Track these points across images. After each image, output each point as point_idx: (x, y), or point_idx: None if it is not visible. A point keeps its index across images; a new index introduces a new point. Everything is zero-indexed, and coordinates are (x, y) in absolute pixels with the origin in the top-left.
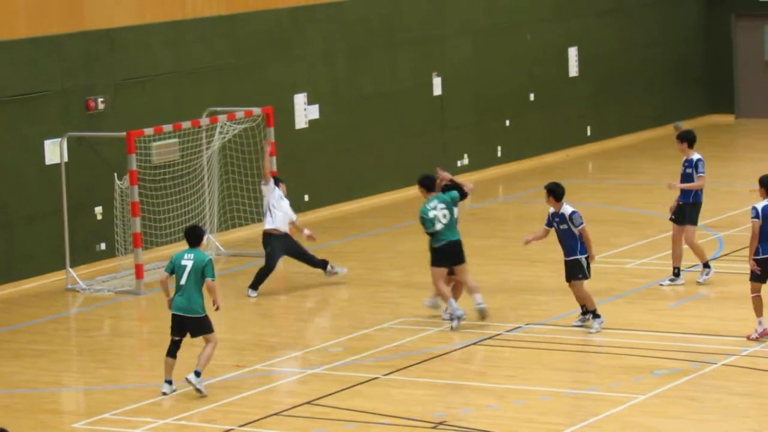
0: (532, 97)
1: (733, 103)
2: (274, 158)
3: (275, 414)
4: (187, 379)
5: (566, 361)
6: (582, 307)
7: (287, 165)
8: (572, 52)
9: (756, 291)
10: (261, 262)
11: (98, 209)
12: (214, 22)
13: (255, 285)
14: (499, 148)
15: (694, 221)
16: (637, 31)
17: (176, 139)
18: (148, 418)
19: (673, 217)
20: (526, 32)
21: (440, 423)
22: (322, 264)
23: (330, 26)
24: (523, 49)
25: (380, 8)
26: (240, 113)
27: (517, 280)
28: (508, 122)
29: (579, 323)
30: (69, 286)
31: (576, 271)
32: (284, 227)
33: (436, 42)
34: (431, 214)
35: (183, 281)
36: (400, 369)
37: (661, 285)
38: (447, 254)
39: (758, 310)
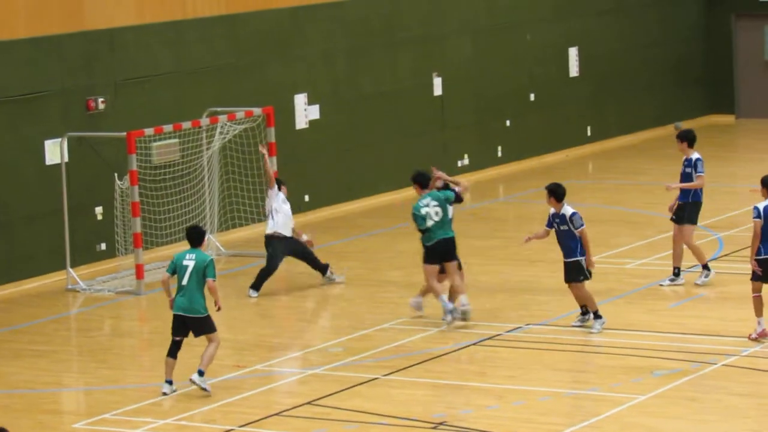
0: (532, 97)
1: (733, 104)
2: (275, 158)
3: (275, 414)
4: (191, 380)
5: (566, 361)
6: (582, 307)
7: (288, 165)
8: (573, 53)
9: (757, 291)
10: (262, 263)
11: (98, 209)
12: (215, 22)
13: (256, 286)
14: (499, 148)
15: (692, 221)
16: (637, 31)
17: (176, 140)
18: (148, 419)
19: (674, 217)
20: (526, 32)
21: (440, 423)
22: (323, 268)
23: (330, 26)
24: (524, 49)
25: (380, 8)
26: (240, 113)
27: (518, 281)
28: (508, 122)
29: (578, 323)
30: (69, 287)
31: (577, 273)
32: (286, 231)
33: (436, 42)
34: (423, 210)
35: (185, 281)
36: (401, 369)
37: (661, 285)
38: (439, 252)
39: (758, 311)
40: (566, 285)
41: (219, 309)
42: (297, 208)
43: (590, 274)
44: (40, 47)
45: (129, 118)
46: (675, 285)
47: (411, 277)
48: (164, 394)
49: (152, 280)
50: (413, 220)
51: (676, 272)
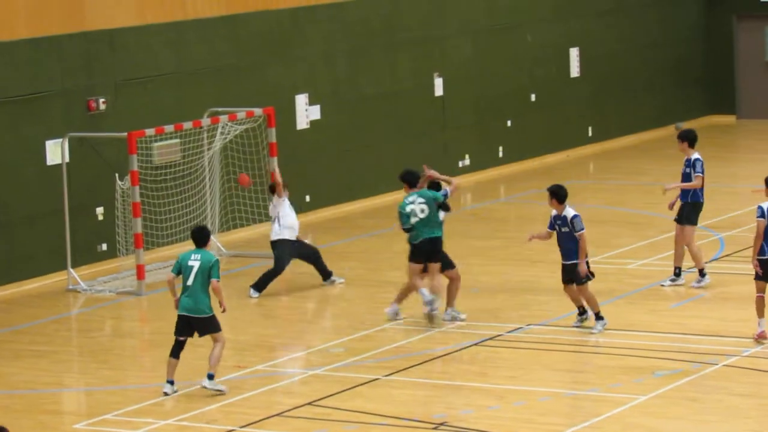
0: (533, 97)
1: (733, 104)
2: (275, 159)
3: (276, 414)
4: (203, 386)
5: (567, 361)
6: (579, 308)
7: (288, 166)
8: (573, 53)
9: (761, 291)
10: (265, 264)
11: (99, 210)
12: (215, 22)
13: (259, 286)
14: (500, 148)
15: (692, 221)
16: (638, 32)
17: (177, 140)
18: (149, 419)
19: (676, 217)
20: (527, 32)
21: (441, 424)
22: (327, 274)
23: (331, 27)
24: (524, 49)
25: (381, 9)
26: (241, 114)
27: (518, 281)
28: (509, 123)
29: (578, 323)
30: (70, 287)
31: (579, 275)
32: (291, 236)
33: (436, 42)
34: (408, 208)
35: (190, 282)
36: (401, 370)
37: (662, 285)
38: (424, 251)
39: (760, 311)
40: (563, 286)
41: (224, 310)
42: (298, 208)
43: (593, 274)
44: (40, 48)
45: (130, 119)
46: (676, 285)
47: None
48: (165, 394)
49: (153, 280)
50: (398, 218)
51: (677, 272)
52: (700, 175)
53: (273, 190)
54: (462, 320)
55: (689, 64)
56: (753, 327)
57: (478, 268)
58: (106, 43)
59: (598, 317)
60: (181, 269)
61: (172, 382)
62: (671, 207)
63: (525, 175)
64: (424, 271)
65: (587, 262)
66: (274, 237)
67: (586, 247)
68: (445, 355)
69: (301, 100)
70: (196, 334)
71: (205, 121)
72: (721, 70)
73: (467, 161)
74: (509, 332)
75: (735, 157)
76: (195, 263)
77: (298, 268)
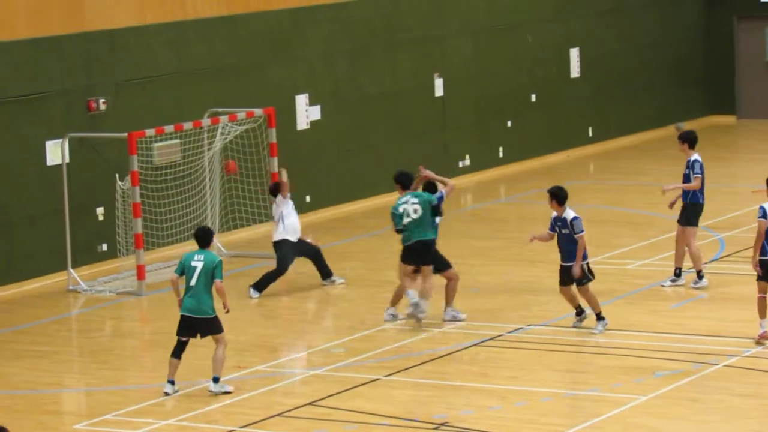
0: (533, 97)
1: (734, 104)
2: (276, 159)
3: (277, 415)
4: (210, 390)
5: (568, 362)
6: (576, 308)
7: (289, 166)
8: (574, 53)
9: (762, 291)
10: (265, 264)
11: (100, 210)
12: (215, 22)
13: (259, 286)
14: (500, 148)
15: (692, 222)
16: (638, 32)
17: (178, 140)
18: (149, 419)
19: (678, 218)
20: (527, 33)
21: (442, 424)
22: (328, 274)
23: (331, 27)
24: (524, 49)
25: (381, 9)
26: (241, 114)
27: (519, 281)
28: (509, 123)
29: (577, 324)
30: (70, 287)
31: (580, 277)
32: (294, 237)
33: (436, 42)
34: (401, 208)
35: (193, 282)
36: (402, 370)
37: (663, 286)
38: (417, 252)
39: (762, 312)
40: (559, 288)
41: (228, 311)
42: (299, 209)
43: (593, 275)
44: (40, 48)
45: (130, 119)
46: (676, 285)
47: None
48: (166, 394)
49: (153, 280)
50: (391, 219)
51: (677, 272)
52: (699, 176)
53: (275, 190)
54: (462, 320)
55: (689, 64)
56: (754, 327)
57: (479, 268)
58: (106, 44)
59: (599, 317)
60: (184, 270)
61: (173, 382)
62: (671, 206)
63: (525, 175)
64: (417, 272)
65: (588, 264)
66: (278, 237)
67: (583, 249)
68: (445, 355)
69: (302, 100)
70: (198, 335)
71: (206, 122)
72: (721, 71)
73: (467, 161)
74: (510, 332)
75: (735, 157)
76: (198, 264)
77: (299, 269)
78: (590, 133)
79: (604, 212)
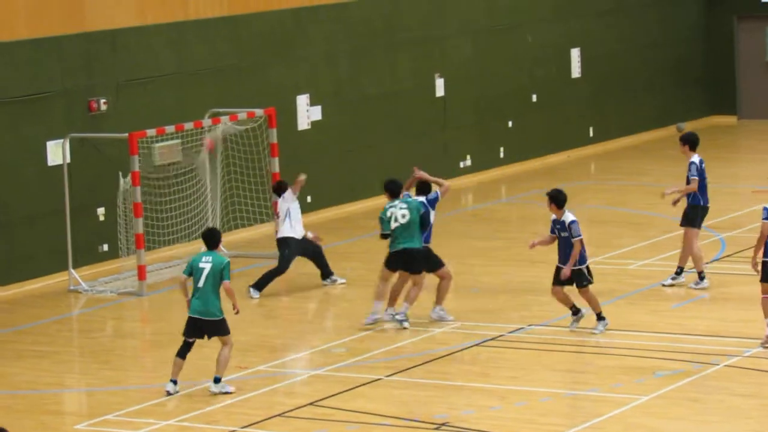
0: (534, 98)
1: (734, 105)
2: (276, 159)
3: (278, 415)
4: (210, 390)
5: (568, 362)
6: (571, 308)
7: (290, 166)
8: (575, 53)
9: (766, 292)
10: (266, 264)
11: (101, 210)
12: (216, 23)
13: (260, 285)
14: (501, 149)
15: (691, 224)
16: (638, 32)
17: (179, 140)
18: (150, 420)
19: (681, 221)
20: (527, 33)
21: (443, 424)
22: (328, 274)
23: (332, 27)
24: (524, 49)
25: (382, 9)
26: (242, 114)
27: (520, 281)
28: (510, 123)
29: (575, 325)
30: (71, 288)
31: (580, 279)
32: (299, 235)
33: (437, 42)
34: (389, 212)
35: (201, 284)
36: (403, 370)
37: (663, 285)
38: (402, 260)
39: (766, 313)
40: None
41: (237, 312)
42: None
43: (591, 277)
44: (41, 48)
45: (131, 119)
46: (676, 283)
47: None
48: (168, 392)
49: (154, 281)
50: (379, 223)
51: (679, 271)
52: (695, 178)
53: (279, 188)
54: (449, 321)
55: (690, 64)
56: (754, 327)
57: (480, 268)
58: (106, 44)
59: (600, 318)
60: (192, 270)
61: (175, 382)
62: (675, 203)
63: (526, 175)
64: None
65: (588, 266)
66: (285, 234)
67: (578, 253)
68: (446, 355)
69: (303, 100)
70: (205, 336)
71: (207, 122)
72: (721, 71)
73: (468, 162)
74: (510, 333)
75: (736, 157)
76: (206, 265)
77: (300, 269)
78: (591, 134)
79: (605, 212)
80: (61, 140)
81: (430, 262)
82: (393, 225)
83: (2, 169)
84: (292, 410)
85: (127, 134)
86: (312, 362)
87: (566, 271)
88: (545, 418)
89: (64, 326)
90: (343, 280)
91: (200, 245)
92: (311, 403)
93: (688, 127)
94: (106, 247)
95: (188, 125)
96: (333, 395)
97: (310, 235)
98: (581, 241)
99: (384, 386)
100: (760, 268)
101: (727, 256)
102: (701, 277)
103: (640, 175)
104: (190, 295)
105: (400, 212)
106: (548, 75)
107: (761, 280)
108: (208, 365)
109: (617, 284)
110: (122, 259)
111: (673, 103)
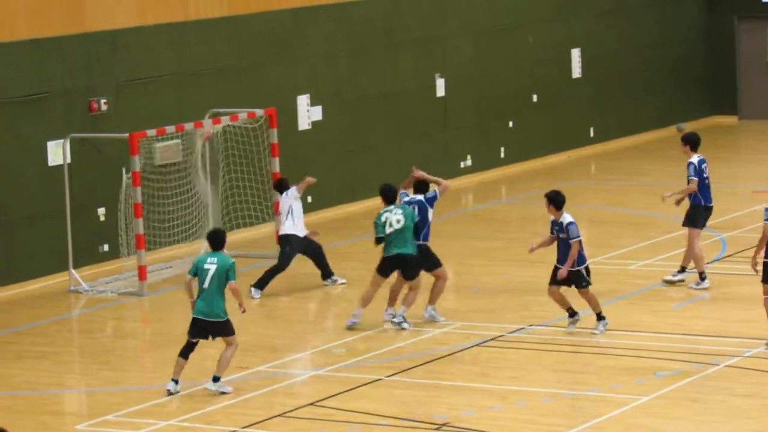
0: (534, 98)
1: (735, 105)
2: (277, 159)
3: (278, 415)
4: (207, 388)
5: (568, 362)
6: (568, 310)
7: (290, 166)
8: (575, 54)
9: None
10: (267, 264)
11: (101, 210)
12: (217, 23)
13: (261, 284)
14: (502, 149)
15: (694, 224)
16: (638, 32)
17: (179, 140)
18: (150, 420)
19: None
20: (527, 33)
21: (443, 424)
22: (328, 274)
23: (332, 27)
24: (525, 50)
25: (382, 9)
26: (243, 114)
27: (520, 281)
28: (511, 123)
29: (572, 326)
30: (72, 288)
31: (579, 280)
32: (301, 233)
33: (437, 43)
34: (383, 217)
35: (205, 285)
36: (403, 370)
37: (664, 279)
38: (394, 266)
39: None
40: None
41: (243, 311)
42: None
43: (589, 275)
44: (41, 48)
45: (131, 119)
46: (676, 279)
47: None
48: (169, 392)
49: (155, 281)
50: (374, 228)
51: (681, 269)
52: (693, 178)
53: (280, 185)
54: (440, 321)
55: (690, 64)
56: (754, 327)
57: (480, 268)
58: (107, 44)
59: (600, 318)
60: (197, 272)
61: (176, 381)
62: (678, 203)
63: (527, 175)
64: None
65: (587, 267)
66: (287, 231)
67: (575, 255)
68: (447, 355)
69: (303, 100)
70: (209, 337)
71: (207, 122)
72: (722, 71)
73: (469, 162)
74: (511, 333)
75: (736, 157)
76: (211, 266)
77: (300, 269)
78: (591, 134)
79: (605, 213)
80: (62, 140)
81: (428, 261)
82: (387, 230)
83: (2, 169)
84: (292, 410)
85: (127, 134)
86: (312, 362)
87: (563, 272)
88: (545, 418)
89: (64, 326)
90: (344, 280)
91: (200, 245)
92: (311, 404)
93: (689, 127)
94: (106, 247)
95: (188, 125)
96: (333, 395)
97: (306, 231)
98: (580, 242)
99: (384, 386)
100: (760, 268)
101: (728, 256)
102: (702, 277)
103: (641, 176)
104: (194, 296)
105: (395, 217)
106: (549, 75)
107: (762, 281)
108: (209, 365)
109: (617, 284)
110: (123, 259)
111: (673, 103)
